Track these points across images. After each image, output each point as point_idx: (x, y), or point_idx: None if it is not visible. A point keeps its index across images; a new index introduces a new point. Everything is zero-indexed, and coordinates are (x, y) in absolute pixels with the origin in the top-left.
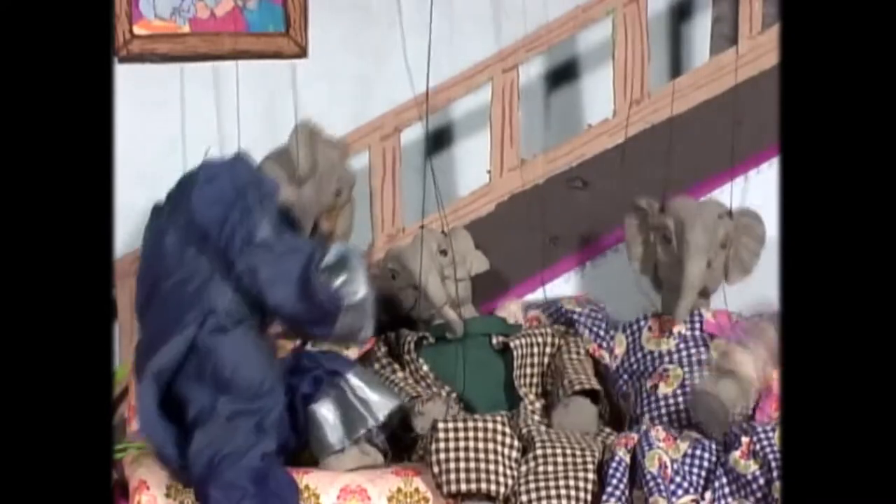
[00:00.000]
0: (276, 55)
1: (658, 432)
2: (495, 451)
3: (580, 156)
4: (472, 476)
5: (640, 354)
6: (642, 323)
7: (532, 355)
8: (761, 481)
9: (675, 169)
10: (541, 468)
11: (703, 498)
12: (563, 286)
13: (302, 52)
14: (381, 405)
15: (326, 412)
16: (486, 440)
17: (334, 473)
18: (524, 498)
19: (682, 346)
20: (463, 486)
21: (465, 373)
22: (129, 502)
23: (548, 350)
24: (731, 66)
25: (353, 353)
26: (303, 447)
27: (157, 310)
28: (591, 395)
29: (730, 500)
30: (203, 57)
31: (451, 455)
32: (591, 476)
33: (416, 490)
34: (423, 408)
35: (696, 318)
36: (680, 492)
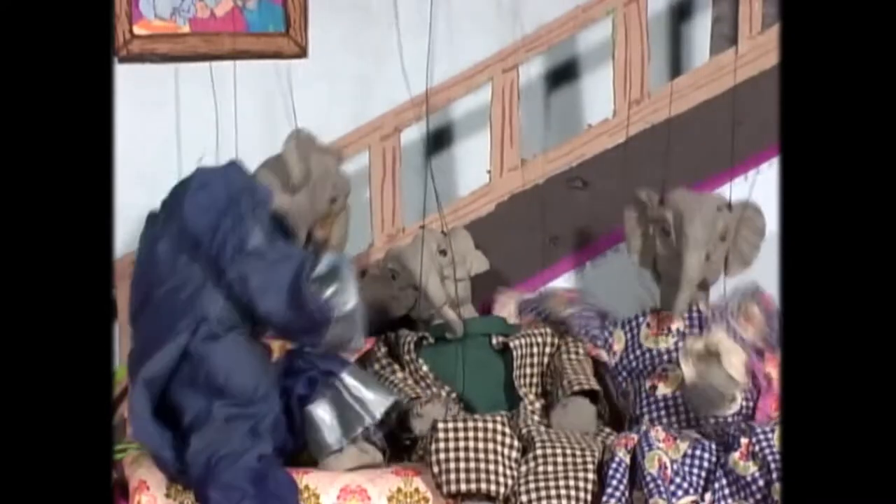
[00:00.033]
0: (276, 55)
1: (658, 433)
2: (495, 451)
3: (580, 156)
4: (472, 476)
5: (638, 352)
6: (641, 319)
7: (532, 355)
8: (761, 482)
9: (675, 169)
10: (541, 468)
11: (703, 499)
12: (563, 286)
13: (302, 52)
14: (377, 403)
15: (323, 413)
16: (486, 440)
17: (334, 473)
18: (524, 498)
19: (681, 344)
20: (463, 486)
21: (465, 373)
22: (129, 502)
23: (547, 350)
24: (731, 66)
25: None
26: (301, 448)
27: (149, 317)
28: (590, 395)
29: (729, 501)
30: (203, 57)
31: (451, 455)
32: (591, 476)
33: (416, 490)
34: (422, 410)
35: (695, 316)
36: (680, 492)
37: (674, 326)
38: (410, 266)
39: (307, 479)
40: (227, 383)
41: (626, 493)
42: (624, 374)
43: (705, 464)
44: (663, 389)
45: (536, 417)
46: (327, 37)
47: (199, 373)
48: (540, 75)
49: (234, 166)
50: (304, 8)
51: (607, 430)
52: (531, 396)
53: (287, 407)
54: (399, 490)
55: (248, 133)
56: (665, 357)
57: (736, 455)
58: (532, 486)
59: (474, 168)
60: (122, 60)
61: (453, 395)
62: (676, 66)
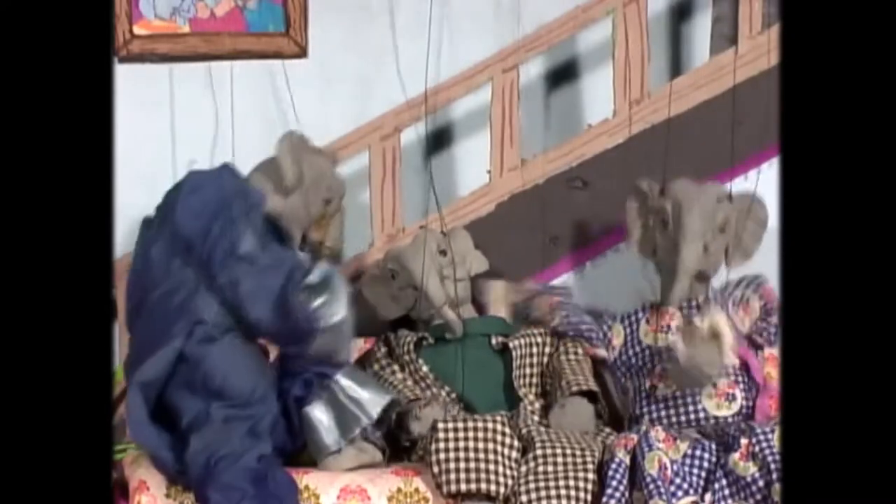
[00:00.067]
0: (276, 55)
1: (658, 433)
2: (495, 451)
3: (580, 156)
4: (472, 476)
5: (637, 348)
6: (640, 315)
7: (531, 355)
8: (761, 483)
9: (675, 169)
10: (541, 468)
11: (703, 499)
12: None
13: (302, 52)
14: (373, 403)
15: (320, 414)
16: (485, 440)
17: (334, 473)
18: (524, 498)
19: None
20: (463, 486)
21: (465, 373)
22: (129, 502)
23: (547, 350)
24: (731, 66)
25: (352, 353)
26: (301, 449)
27: (144, 321)
28: (588, 395)
29: (730, 501)
30: (203, 57)
31: (451, 455)
32: (591, 476)
33: (416, 490)
34: (421, 412)
35: (694, 311)
36: (680, 493)
37: (673, 324)
38: (410, 266)
39: (307, 479)
40: (224, 385)
41: (626, 494)
42: (623, 369)
43: (705, 464)
44: (664, 390)
45: (536, 417)
46: (327, 37)
47: (196, 375)
48: (540, 75)
49: (226, 169)
50: (304, 8)
51: (607, 429)
52: (531, 397)
53: (285, 408)
54: (399, 490)
55: (248, 133)
56: (665, 356)
57: (736, 455)
58: (532, 486)
59: (474, 168)
60: (122, 60)
61: (453, 395)
62: (676, 66)
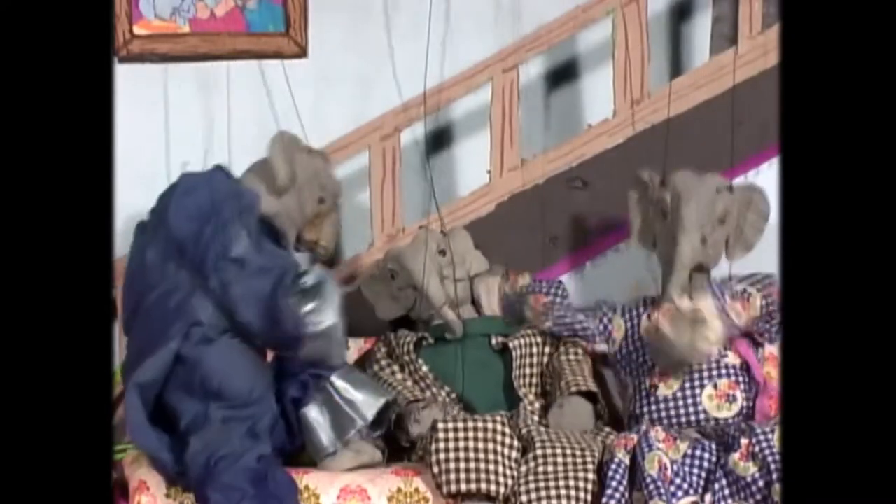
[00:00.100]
0: (276, 55)
1: (658, 433)
2: (495, 451)
3: (580, 156)
4: (472, 476)
5: (638, 343)
6: (641, 310)
7: (531, 355)
8: (761, 483)
9: (675, 169)
10: (541, 468)
11: (703, 500)
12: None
13: (302, 52)
14: (367, 404)
15: (317, 415)
16: (485, 440)
17: (334, 473)
18: (524, 498)
19: None
20: (463, 486)
21: (465, 373)
22: (129, 502)
23: (546, 350)
24: (731, 66)
25: (352, 353)
26: (300, 449)
27: (141, 323)
28: (588, 395)
29: (730, 501)
30: (203, 57)
31: (451, 455)
32: (590, 476)
33: (416, 490)
34: (420, 415)
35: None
36: (680, 493)
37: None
38: (410, 266)
39: (307, 479)
40: (222, 386)
41: (626, 495)
42: (623, 363)
43: (705, 464)
44: (664, 391)
45: (536, 417)
46: (327, 37)
47: (194, 377)
48: (540, 75)
49: (219, 171)
50: (304, 8)
51: (607, 429)
52: (531, 397)
53: (282, 409)
54: (399, 490)
55: (248, 133)
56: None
57: (736, 456)
58: (532, 486)
59: (474, 168)
60: (122, 60)
61: (453, 395)
62: (676, 66)
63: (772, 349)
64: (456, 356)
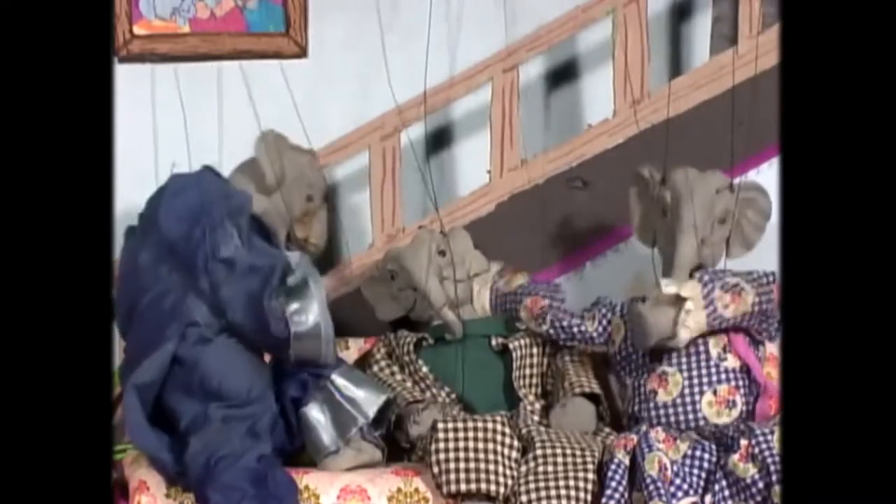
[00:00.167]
0: (276, 55)
1: (658, 433)
2: (495, 451)
3: (580, 156)
4: (472, 476)
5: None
6: (641, 304)
7: (531, 356)
8: (760, 485)
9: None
10: (541, 468)
11: (703, 501)
12: (563, 286)
13: (302, 52)
14: (368, 402)
15: (317, 414)
16: (485, 440)
17: (334, 473)
18: (524, 498)
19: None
20: (463, 486)
21: (465, 374)
22: (129, 502)
23: (547, 350)
24: (731, 66)
25: (352, 354)
26: (300, 449)
27: (137, 326)
28: (591, 397)
29: (730, 502)
30: (203, 57)
31: (451, 455)
32: (590, 476)
33: (416, 490)
34: (420, 416)
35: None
36: (680, 493)
37: None
38: (410, 267)
39: (307, 479)
40: (221, 386)
41: (626, 495)
42: (622, 364)
43: (705, 464)
44: (664, 397)
45: (536, 418)
46: (327, 37)
47: (193, 377)
48: (540, 75)
49: (208, 172)
50: (304, 8)
51: (607, 430)
52: (531, 397)
53: (282, 409)
54: (399, 490)
55: (248, 133)
56: (664, 357)
57: (735, 457)
58: (532, 486)
59: (474, 168)
60: (123, 60)
61: (453, 395)
62: (676, 66)
63: (772, 349)
64: (456, 357)
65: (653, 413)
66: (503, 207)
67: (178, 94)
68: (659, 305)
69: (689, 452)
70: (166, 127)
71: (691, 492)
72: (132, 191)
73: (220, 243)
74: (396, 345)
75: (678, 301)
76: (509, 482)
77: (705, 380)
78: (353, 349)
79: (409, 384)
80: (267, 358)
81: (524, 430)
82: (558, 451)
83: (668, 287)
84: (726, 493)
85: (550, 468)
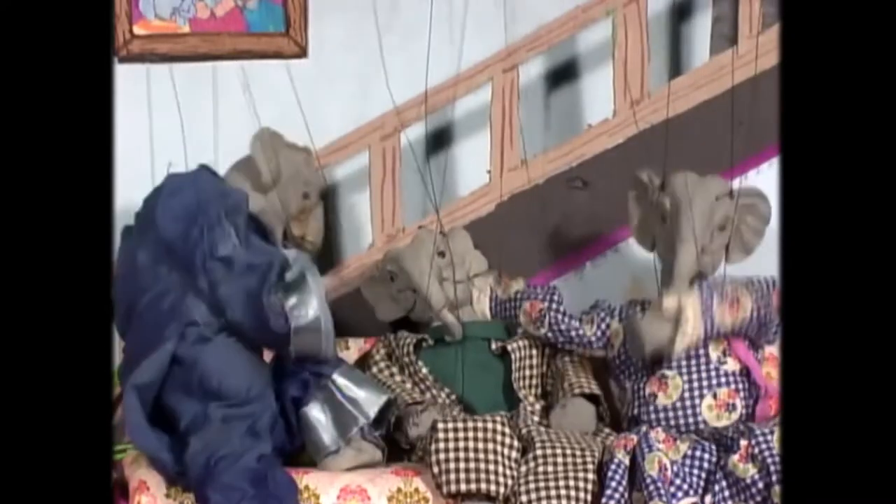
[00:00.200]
0: (276, 55)
1: (658, 433)
2: (495, 451)
3: (580, 156)
4: (472, 476)
5: None
6: (640, 315)
7: (531, 357)
8: (760, 485)
9: (675, 169)
10: (541, 468)
11: (703, 501)
12: (564, 286)
13: (302, 52)
14: (370, 402)
15: (318, 414)
16: (485, 440)
17: (334, 473)
18: (524, 498)
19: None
20: (463, 486)
21: (465, 375)
22: (129, 502)
23: (547, 351)
24: (731, 66)
25: (352, 354)
26: (300, 449)
27: (136, 326)
28: (591, 397)
29: (729, 503)
30: (203, 57)
31: (451, 455)
32: (591, 476)
33: (416, 490)
34: (419, 418)
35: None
36: (680, 494)
37: None
38: (409, 269)
39: (307, 479)
40: (220, 385)
41: (626, 495)
42: (621, 367)
43: (705, 465)
44: (664, 400)
45: (536, 418)
46: (327, 37)
47: (192, 377)
48: (540, 75)
49: (204, 171)
50: (304, 8)
51: (606, 430)
52: (531, 398)
53: (282, 409)
54: (399, 490)
55: (247, 133)
56: (664, 360)
57: (735, 457)
58: (532, 486)
59: (474, 168)
60: (123, 60)
61: (453, 396)
62: (676, 66)
63: (771, 349)
64: (456, 358)
65: (653, 416)
66: (503, 207)
67: (177, 95)
68: (657, 319)
69: (689, 453)
70: (164, 127)
71: (691, 492)
72: (129, 191)
73: (217, 242)
74: (396, 346)
75: (675, 315)
76: (509, 482)
77: (705, 383)
78: (353, 349)
79: (408, 385)
80: (267, 357)
81: (524, 431)
82: (558, 451)
83: (668, 302)
84: (726, 493)
85: (550, 468)
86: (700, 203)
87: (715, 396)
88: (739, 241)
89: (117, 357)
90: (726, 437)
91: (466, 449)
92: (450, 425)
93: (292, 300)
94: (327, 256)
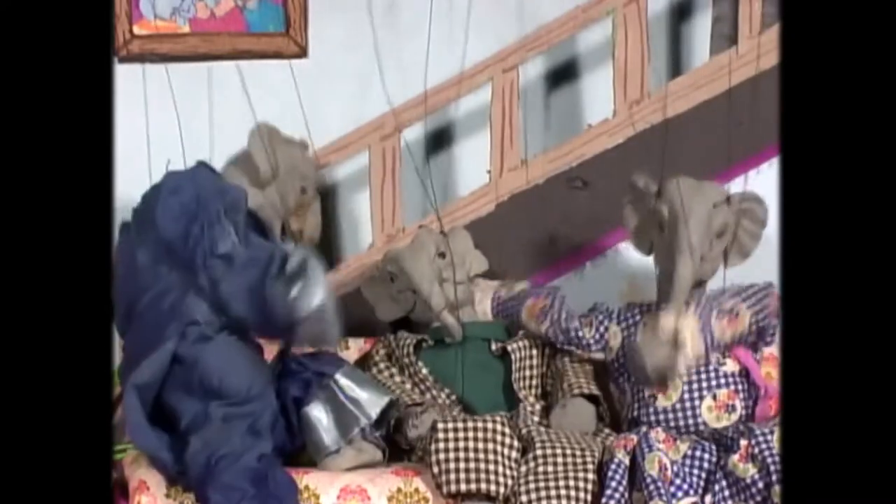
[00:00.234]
0: (276, 55)
1: (658, 433)
2: (495, 451)
3: (580, 156)
4: (472, 476)
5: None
6: (637, 317)
7: (531, 357)
8: (760, 485)
9: (675, 169)
10: (541, 468)
11: (703, 501)
12: (564, 286)
13: (302, 52)
14: (372, 402)
15: (319, 414)
16: (485, 440)
17: (334, 473)
18: (524, 498)
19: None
20: (463, 487)
21: (465, 375)
22: (129, 502)
23: (547, 351)
24: (731, 66)
25: (352, 354)
26: (300, 449)
27: (136, 325)
28: (591, 398)
29: (730, 503)
30: (203, 57)
31: (451, 455)
32: (590, 476)
33: (416, 490)
34: (419, 419)
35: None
36: (680, 493)
37: None
38: (409, 270)
39: (307, 479)
40: (221, 384)
41: (626, 495)
42: (620, 370)
43: (705, 464)
44: (663, 401)
45: (536, 418)
46: (327, 37)
47: (193, 376)
48: (540, 75)
49: (202, 168)
50: (304, 8)
51: (606, 430)
52: (531, 399)
53: (283, 409)
54: (399, 490)
55: (244, 132)
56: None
57: (735, 457)
58: (532, 486)
59: (474, 168)
60: (123, 60)
61: (453, 397)
62: (676, 66)
63: (771, 349)
64: (456, 358)
65: (652, 418)
66: (503, 207)
67: (173, 94)
68: (655, 341)
69: (689, 452)
70: (162, 127)
71: (691, 492)
72: (128, 190)
73: (217, 240)
74: (396, 346)
75: (674, 337)
76: (509, 482)
77: (704, 384)
78: (353, 349)
79: (408, 386)
80: (267, 358)
81: (524, 431)
82: (558, 451)
83: (666, 322)
84: (726, 493)
85: (550, 468)
86: (698, 211)
87: (714, 398)
88: (737, 246)
89: (117, 357)
90: (726, 437)
91: (466, 449)
92: (450, 425)
93: (296, 289)
94: (327, 256)
